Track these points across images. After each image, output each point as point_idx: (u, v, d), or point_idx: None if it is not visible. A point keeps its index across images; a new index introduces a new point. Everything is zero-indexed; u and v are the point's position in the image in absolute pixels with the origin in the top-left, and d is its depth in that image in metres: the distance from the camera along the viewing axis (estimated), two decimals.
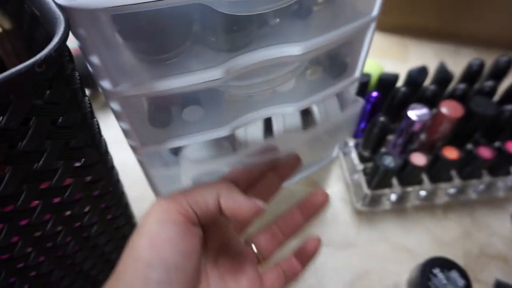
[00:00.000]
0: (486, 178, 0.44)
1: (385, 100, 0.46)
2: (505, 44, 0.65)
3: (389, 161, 0.40)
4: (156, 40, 0.23)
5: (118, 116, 0.27)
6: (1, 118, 0.17)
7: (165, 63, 0.25)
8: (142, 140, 0.29)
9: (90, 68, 0.23)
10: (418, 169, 0.40)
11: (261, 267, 0.26)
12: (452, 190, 0.45)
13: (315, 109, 0.37)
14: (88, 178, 0.25)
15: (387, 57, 0.68)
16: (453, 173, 0.44)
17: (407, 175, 0.42)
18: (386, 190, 0.42)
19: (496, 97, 0.47)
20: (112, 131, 0.38)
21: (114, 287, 0.20)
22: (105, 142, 0.27)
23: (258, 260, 0.26)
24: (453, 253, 0.42)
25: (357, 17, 0.29)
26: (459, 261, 0.38)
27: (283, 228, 0.27)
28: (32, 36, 0.26)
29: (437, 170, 0.42)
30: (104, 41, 0.22)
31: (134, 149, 0.31)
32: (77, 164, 0.23)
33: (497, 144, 0.42)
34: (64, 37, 0.17)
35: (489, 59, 0.49)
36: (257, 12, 0.22)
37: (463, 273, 0.37)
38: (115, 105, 0.26)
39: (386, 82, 0.45)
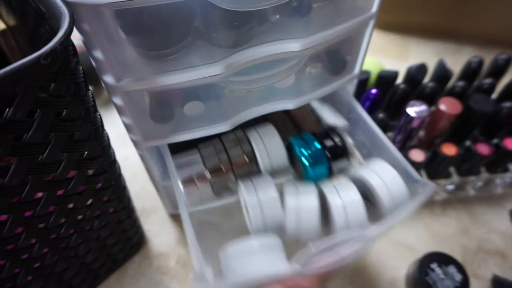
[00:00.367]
0: (484, 175, 0.44)
1: (384, 97, 0.46)
2: (506, 43, 0.65)
3: None
4: (157, 36, 0.24)
5: (120, 111, 0.28)
6: (7, 110, 0.18)
7: (167, 58, 0.26)
8: (143, 134, 0.30)
9: (93, 63, 0.24)
10: (417, 165, 0.41)
11: None
12: (450, 187, 0.45)
13: (380, 194, 0.28)
14: (91, 171, 0.26)
15: (387, 55, 0.68)
16: (452, 169, 0.44)
17: None
18: None
19: (495, 95, 0.48)
20: (114, 128, 0.39)
21: None
22: (107, 136, 0.27)
23: None
24: (451, 249, 0.42)
25: (356, 14, 0.30)
26: (457, 256, 0.39)
27: None
28: (36, 33, 0.26)
29: (436, 167, 0.42)
30: (107, 36, 0.22)
31: (136, 143, 0.31)
32: (81, 157, 0.24)
33: (495, 141, 0.43)
34: (69, 31, 0.18)
35: (490, 58, 0.49)
36: (257, 7, 0.23)
37: (460, 268, 0.37)
38: (117, 100, 0.26)
39: (386, 79, 0.45)
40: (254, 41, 0.26)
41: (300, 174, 0.32)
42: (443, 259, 0.38)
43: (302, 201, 0.28)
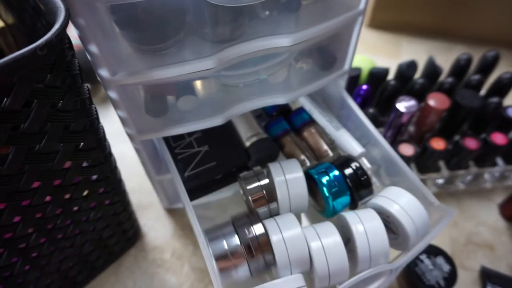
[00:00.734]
0: (473, 169, 0.45)
1: (375, 94, 0.47)
2: (498, 42, 0.67)
3: None
4: (151, 31, 0.25)
5: (115, 105, 0.28)
6: (5, 99, 0.18)
7: (160, 53, 0.26)
8: (138, 128, 0.31)
9: (89, 57, 0.25)
10: (406, 159, 0.42)
11: None
12: (440, 181, 0.46)
13: (402, 222, 0.28)
14: (87, 163, 0.26)
15: (380, 54, 0.69)
16: (441, 164, 0.45)
17: None
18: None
19: (484, 91, 0.49)
20: (112, 124, 0.40)
21: None
22: (103, 129, 0.28)
23: None
24: (441, 241, 0.43)
25: (344, 11, 0.31)
26: (447, 249, 0.40)
27: None
28: (33, 29, 0.27)
29: (425, 161, 0.43)
30: (102, 30, 0.23)
31: (131, 137, 0.32)
32: (76, 148, 0.25)
33: (483, 135, 0.44)
34: (65, 24, 0.19)
35: (480, 56, 0.50)
36: (246, 3, 0.23)
37: (448, 259, 0.38)
38: (112, 94, 0.27)
39: (377, 76, 0.46)
40: (245, 36, 0.27)
41: (322, 206, 0.32)
42: (432, 251, 0.39)
43: (326, 241, 0.27)
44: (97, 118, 0.26)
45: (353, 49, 0.35)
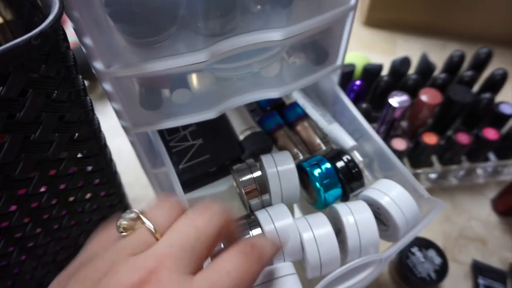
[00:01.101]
0: (466, 164, 0.46)
1: (369, 90, 0.48)
2: (491, 40, 0.67)
3: None
4: (145, 24, 0.25)
5: (110, 97, 0.29)
6: (1, 88, 0.19)
7: (154, 46, 0.27)
8: (133, 121, 0.31)
9: (84, 50, 0.25)
10: (399, 154, 0.42)
11: None
12: (433, 176, 0.47)
13: (392, 213, 0.28)
14: (82, 154, 0.27)
15: (376, 51, 0.70)
16: (434, 159, 0.46)
17: None
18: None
19: (477, 87, 0.49)
20: (109, 120, 0.40)
21: None
22: (98, 121, 0.28)
23: None
24: (433, 235, 0.44)
25: (336, 6, 0.31)
26: (439, 242, 0.40)
27: None
28: (31, 23, 0.28)
29: (418, 156, 0.44)
30: (97, 23, 0.24)
31: (126, 130, 0.32)
32: (71, 139, 0.25)
33: (475, 131, 0.44)
34: (59, 15, 0.19)
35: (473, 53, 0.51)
36: None
37: (440, 252, 0.39)
38: (107, 86, 0.28)
39: (370, 72, 0.47)
40: (237, 30, 0.28)
41: (314, 198, 0.32)
42: (424, 244, 0.40)
43: (318, 231, 0.28)
44: (92, 110, 0.27)
45: (345, 44, 0.36)
